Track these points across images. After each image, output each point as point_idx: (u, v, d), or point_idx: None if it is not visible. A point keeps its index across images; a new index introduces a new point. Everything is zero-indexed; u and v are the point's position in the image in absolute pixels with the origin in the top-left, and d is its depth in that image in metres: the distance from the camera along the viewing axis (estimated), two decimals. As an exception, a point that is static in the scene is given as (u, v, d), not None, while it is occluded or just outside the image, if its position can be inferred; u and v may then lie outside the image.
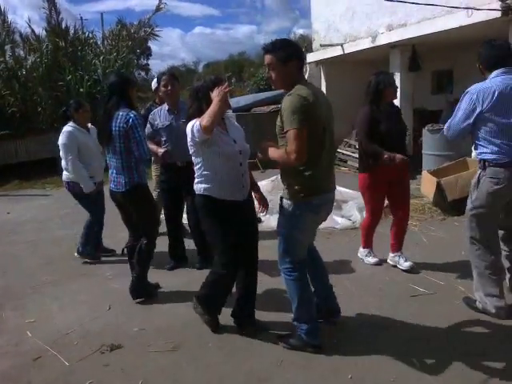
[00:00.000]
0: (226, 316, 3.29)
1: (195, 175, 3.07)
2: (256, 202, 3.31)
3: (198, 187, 3.05)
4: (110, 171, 3.79)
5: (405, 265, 4.13)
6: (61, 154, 4.66)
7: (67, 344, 3.20)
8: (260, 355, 2.92)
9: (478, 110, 3.08)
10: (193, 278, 4.01)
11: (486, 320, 3.22)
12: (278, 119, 2.71)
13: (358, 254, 4.52)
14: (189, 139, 2.94)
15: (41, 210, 7.61)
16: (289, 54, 2.67)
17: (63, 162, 4.69)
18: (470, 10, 6.97)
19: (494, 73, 3.15)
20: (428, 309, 3.43)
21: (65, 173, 4.74)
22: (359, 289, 3.83)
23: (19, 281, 4.43)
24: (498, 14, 6.63)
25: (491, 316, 3.24)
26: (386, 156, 3.81)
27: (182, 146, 3.54)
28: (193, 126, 2.86)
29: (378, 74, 4.05)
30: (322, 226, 5.41)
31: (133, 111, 3.59)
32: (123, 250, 4.32)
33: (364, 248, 4.47)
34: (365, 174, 4.14)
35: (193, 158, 3.07)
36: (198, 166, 3.03)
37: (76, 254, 4.87)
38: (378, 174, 4.02)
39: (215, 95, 2.83)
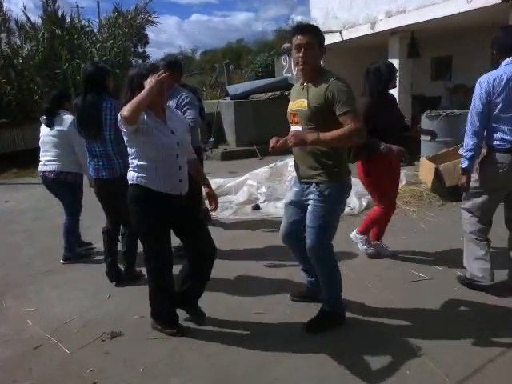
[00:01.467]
0: (224, 303, 3.29)
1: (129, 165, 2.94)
2: (207, 199, 3.22)
3: (131, 175, 2.91)
4: (92, 161, 3.80)
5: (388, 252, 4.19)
6: (73, 142, 4.32)
7: (68, 332, 3.21)
8: (260, 343, 2.94)
9: (489, 98, 3.10)
10: None
11: (483, 302, 3.25)
12: (309, 102, 2.76)
13: (354, 238, 4.33)
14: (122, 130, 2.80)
15: (39, 198, 7.57)
16: (323, 39, 2.85)
17: (57, 151, 4.41)
18: (469, -4, 6.92)
19: (506, 60, 3.15)
20: (426, 294, 3.45)
21: (58, 163, 4.41)
22: (358, 275, 3.84)
23: (19, 270, 4.44)
24: (497, 0, 6.58)
25: (479, 282, 3.37)
26: (382, 147, 3.69)
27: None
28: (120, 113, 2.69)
29: (378, 63, 3.90)
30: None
31: (117, 100, 3.56)
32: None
33: (361, 233, 4.28)
34: (367, 162, 3.90)
35: (128, 148, 2.91)
36: (132, 156, 2.89)
37: (62, 261, 4.56)
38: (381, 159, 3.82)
39: (147, 83, 2.68)
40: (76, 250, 4.64)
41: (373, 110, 3.73)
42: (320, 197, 2.85)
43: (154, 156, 2.82)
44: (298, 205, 3.04)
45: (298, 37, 2.74)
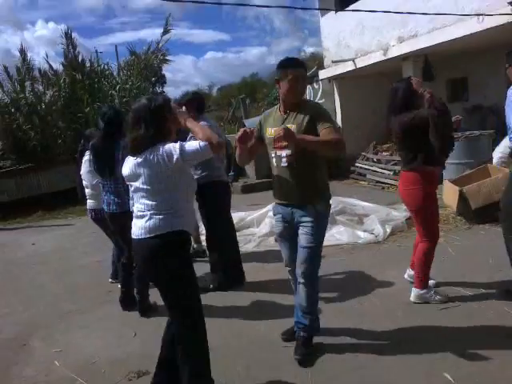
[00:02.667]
0: (252, 336, 3.24)
1: (153, 211, 2.49)
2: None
3: (170, 222, 2.47)
4: (106, 196, 4.12)
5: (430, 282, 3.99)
6: (86, 182, 4.76)
7: (95, 372, 3.19)
8: (289, 378, 2.87)
9: None
10: (210, 300, 3.93)
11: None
12: (297, 127, 2.88)
13: (419, 299, 3.68)
14: (159, 169, 2.42)
15: (64, 239, 7.72)
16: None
17: (88, 191, 4.76)
18: (480, 17, 6.94)
19: None
20: (459, 321, 3.33)
21: (90, 201, 4.78)
22: (387, 304, 3.74)
23: (46, 310, 4.48)
24: (509, 19, 6.58)
25: None
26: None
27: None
28: (182, 149, 2.37)
29: (400, 80, 3.77)
30: (345, 241, 5.48)
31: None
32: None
33: (424, 288, 3.68)
34: (426, 187, 3.52)
35: (154, 194, 2.49)
36: (171, 201, 2.48)
37: (110, 279, 4.98)
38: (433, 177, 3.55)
39: (181, 116, 2.59)
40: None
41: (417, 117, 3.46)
42: (316, 217, 2.96)
43: (188, 195, 2.62)
44: (291, 231, 3.08)
45: (296, 69, 2.93)
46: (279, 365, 3.01)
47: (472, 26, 7.20)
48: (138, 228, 2.53)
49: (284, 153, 2.96)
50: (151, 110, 2.49)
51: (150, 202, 2.50)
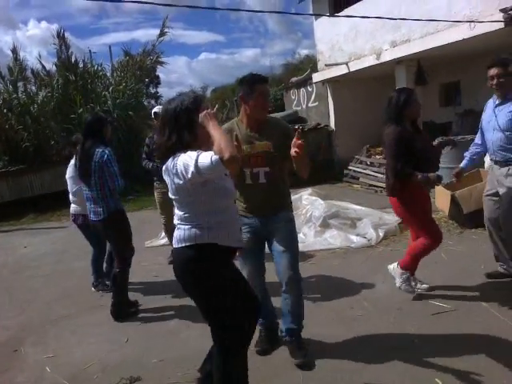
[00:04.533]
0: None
1: (181, 223, 2.36)
2: None
3: (194, 234, 2.30)
4: (87, 203, 4.17)
5: (423, 287, 4.04)
6: (69, 187, 4.88)
7: (86, 378, 3.18)
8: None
9: None
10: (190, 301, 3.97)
11: (509, 334, 3.14)
12: (273, 142, 2.96)
13: (392, 272, 3.95)
14: (179, 181, 2.22)
15: (57, 242, 7.68)
16: None
17: (70, 195, 4.88)
18: (472, 23, 6.98)
19: None
20: (451, 326, 3.36)
21: (73, 205, 4.88)
22: (378, 309, 3.76)
23: (38, 315, 4.44)
24: (501, 25, 6.63)
25: None
26: (419, 176, 3.54)
27: None
28: (197, 162, 2.11)
29: (400, 90, 3.86)
30: (338, 245, 5.50)
31: (108, 148, 4.02)
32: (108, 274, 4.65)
33: (403, 268, 3.87)
34: (402, 194, 3.69)
35: (180, 205, 2.35)
36: (196, 213, 2.31)
37: (93, 288, 4.94)
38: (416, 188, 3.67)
39: (206, 119, 2.23)
40: (102, 280, 4.91)
41: (402, 136, 3.59)
42: (290, 221, 3.11)
43: (221, 205, 2.37)
44: (259, 243, 3.11)
45: (263, 85, 2.95)
46: (272, 371, 3.02)
47: (464, 32, 7.24)
48: (174, 238, 2.41)
49: (262, 170, 2.98)
50: (176, 113, 2.27)
51: (179, 213, 2.35)
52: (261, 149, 2.96)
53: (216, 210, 2.32)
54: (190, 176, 2.14)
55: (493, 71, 3.67)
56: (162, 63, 15.59)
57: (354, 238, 5.67)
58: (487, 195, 4.06)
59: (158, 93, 29.19)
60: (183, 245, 2.32)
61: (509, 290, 3.83)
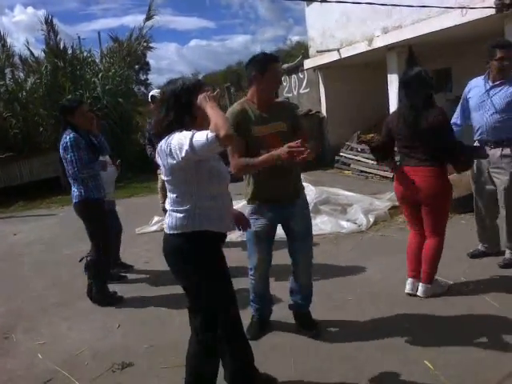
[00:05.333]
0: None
1: (173, 208, 2.34)
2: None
3: (187, 221, 2.30)
4: None
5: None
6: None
7: (78, 364, 3.19)
8: (271, 368, 2.89)
9: None
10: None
11: (500, 317, 3.20)
12: (287, 124, 2.97)
13: (428, 294, 3.60)
14: (172, 160, 2.20)
15: (47, 229, 7.63)
16: None
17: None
18: (464, 9, 6.97)
19: None
20: (440, 309, 3.40)
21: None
22: (369, 294, 3.80)
23: (29, 303, 4.43)
24: (492, 12, 6.62)
25: None
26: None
27: None
28: (191, 140, 2.10)
29: (422, 70, 3.50)
30: (328, 230, 5.52)
31: (72, 133, 3.99)
32: (81, 259, 4.64)
33: (431, 282, 3.62)
34: (448, 183, 3.55)
35: (173, 187, 2.34)
36: (190, 196, 2.30)
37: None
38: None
39: (204, 100, 2.21)
40: None
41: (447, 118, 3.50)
42: (307, 204, 3.25)
43: (215, 189, 2.37)
44: (274, 230, 3.14)
45: (279, 64, 3.03)
46: (263, 356, 3.04)
47: (456, 18, 7.22)
48: (166, 223, 2.40)
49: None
50: (176, 94, 2.27)
51: (171, 195, 2.34)
52: (276, 129, 2.94)
53: (209, 193, 2.32)
54: (183, 154, 2.12)
55: (505, 52, 3.71)
56: (150, 48, 15.46)
57: (344, 223, 5.70)
58: (475, 175, 4.12)
59: (147, 79, 29.00)
60: (174, 232, 2.32)
61: (496, 273, 3.90)
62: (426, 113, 3.39)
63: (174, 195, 2.33)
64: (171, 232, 2.34)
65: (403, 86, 3.55)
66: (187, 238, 2.31)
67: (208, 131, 2.09)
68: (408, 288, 3.67)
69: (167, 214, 2.39)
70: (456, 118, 4.24)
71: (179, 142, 2.15)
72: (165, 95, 2.34)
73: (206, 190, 2.31)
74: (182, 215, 2.30)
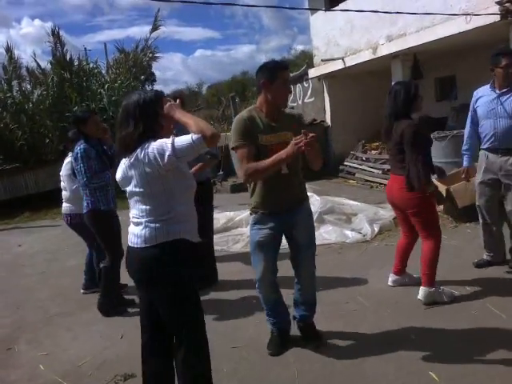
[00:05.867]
0: (239, 337, 3.23)
1: (149, 218, 2.30)
2: None
3: (166, 230, 2.28)
4: None
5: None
6: (65, 184, 4.72)
7: (81, 375, 3.17)
8: (275, 380, 2.86)
9: None
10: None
11: (506, 328, 3.14)
12: (293, 133, 2.84)
13: (429, 298, 3.62)
14: (150, 169, 2.20)
15: (51, 240, 7.65)
16: None
17: (65, 193, 4.75)
18: (468, 16, 6.96)
19: None
20: (445, 319, 3.35)
21: (66, 205, 4.73)
22: (373, 303, 3.75)
23: (32, 313, 4.42)
24: (496, 18, 6.61)
25: None
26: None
27: None
28: (173, 144, 2.13)
29: (406, 83, 3.74)
30: (333, 240, 5.49)
31: (83, 144, 4.08)
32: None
33: (433, 286, 3.64)
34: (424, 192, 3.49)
35: (146, 198, 2.30)
36: (167, 205, 2.29)
37: (82, 290, 4.80)
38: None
39: (171, 109, 2.29)
40: (93, 282, 4.73)
41: (419, 128, 3.54)
42: (311, 213, 3.19)
43: (188, 198, 2.40)
44: (278, 239, 3.09)
45: (288, 72, 2.96)
46: (266, 367, 3.01)
47: (460, 25, 7.22)
48: (135, 236, 2.33)
49: None
50: (140, 105, 2.29)
51: (144, 207, 2.30)
52: (283, 139, 2.88)
53: (183, 201, 2.34)
54: (165, 160, 2.14)
55: (510, 59, 3.75)
56: (156, 58, 15.55)
57: (349, 233, 5.66)
58: (482, 182, 4.09)
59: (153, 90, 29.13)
60: (149, 244, 2.29)
61: (502, 283, 3.85)
62: (397, 123, 3.53)
63: (148, 206, 2.30)
64: (146, 245, 2.29)
65: (388, 95, 3.68)
66: (164, 248, 2.28)
67: (190, 134, 2.13)
68: (389, 280, 4.04)
69: (140, 227, 2.32)
70: (468, 133, 4.22)
71: (159, 148, 2.16)
72: (127, 109, 2.32)
73: (181, 198, 2.33)
74: (158, 225, 2.28)
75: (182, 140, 2.14)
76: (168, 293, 2.32)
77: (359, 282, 4.24)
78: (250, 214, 3.11)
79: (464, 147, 4.29)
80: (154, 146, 2.18)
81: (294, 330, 3.32)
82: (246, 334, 3.44)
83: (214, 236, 4.77)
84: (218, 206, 7.24)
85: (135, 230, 2.34)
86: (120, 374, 3.08)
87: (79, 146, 4.09)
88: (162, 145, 2.16)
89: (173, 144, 2.13)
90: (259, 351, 3.18)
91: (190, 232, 2.37)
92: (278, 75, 2.86)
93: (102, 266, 4.21)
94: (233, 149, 2.93)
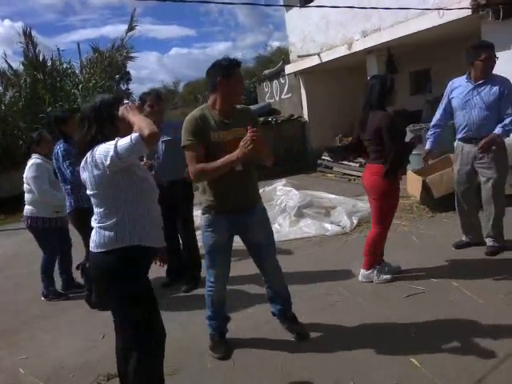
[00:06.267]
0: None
1: (101, 224, 2.31)
2: None
3: (116, 236, 2.26)
4: None
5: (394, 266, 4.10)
6: (32, 187, 4.53)
7: (63, 378, 3.13)
8: (259, 377, 2.86)
9: None
10: (179, 301, 4.06)
11: (483, 312, 3.20)
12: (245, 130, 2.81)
13: (365, 279, 3.98)
14: (98, 171, 2.20)
15: (28, 243, 7.45)
16: None
17: (28, 196, 4.63)
18: (441, 11, 7.07)
19: None
20: (424, 306, 3.41)
21: (27, 207, 4.62)
22: (354, 294, 3.79)
23: (11, 317, 4.35)
24: (468, 12, 6.72)
25: None
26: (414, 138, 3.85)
27: (164, 164, 4.18)
28: (116, 146, 2.12)
29: (383, 76, 3.86)
30: (313, 233, 5.52)
31: (62, 143, 4.12)
32: (77, 266, 4.59)
33: (369, 269, 3.97)
34: (393, 182, 3.74)
35: (100, 201, 2.31)
36: (118, 210, 2.28)
37: (42, 298, 4.68)
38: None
39: (126, 111, 2.29)
40: (52, 289, 4.70)
41: (395, 119, 3.69)
42: (266, 212, 3.17)
43: (146, 201, 2.37)
44: (231, 241, 3.08)
45: (239, 70, 2.95)
46: (250, 360, 3.02)
47: (433, 20, 7.32)
48: (91, 240, 2.34)
49: None
50: (96, 108, 2.31)
51: (98, 210, 2.31)
52: (238, 134, 2.86)
53: (138, 206, 2.30)
54: (108, 162, 2.14)
55: (489, 53, 3.87)
56: (131, 58, 15.40)
57: (328, 226, 5.70)
58: (460, 172, 4.22)
59: (129, 89, 28.67)
60: (103, 250, 2.27)
61: (477, 269, 3.94)
62: (372, 115, 3.67)
63: (101, 209, 2.29)
64: (100, 250, 2.28)
65: (365, 88, 3.82)
66: (118, 254, 2.26)
67: (132, 134, 2.13)
68: (360, 277, 4.09)
69: (93, 231, 2.34)
70: (436, 120, 4.32)
71: (104, 150, 2.17)
72: (84, 113, 2.36)
73: (134, 203, 2.29)
74: (110, 231, 2.26)
75: (123, 141, 2.13)
76: (116, 298, 2.39)
77: (340, 273, 4.27)
78: (202, 213, 3.03)
79: (429, 132, 4.44)
80: (101, 148, 2.19)
81: (278, 326, 3.33)
82: (230, 329, 3.43)
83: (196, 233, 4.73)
84: (198, 204, 7.20)
85: (92, 233, 2.36)
86: (103, 374, 3.05)
87: (59, 146, 4.12)
88: (107, 146, 2.16)
89: (115, 145, 2.12)
90: (242, 346, 3.18)
91: (145, 238, 2.32)
92: (234, 72, 2.86)
93: (87, 265, 4.09)
94: (183, 147, 2.89)
